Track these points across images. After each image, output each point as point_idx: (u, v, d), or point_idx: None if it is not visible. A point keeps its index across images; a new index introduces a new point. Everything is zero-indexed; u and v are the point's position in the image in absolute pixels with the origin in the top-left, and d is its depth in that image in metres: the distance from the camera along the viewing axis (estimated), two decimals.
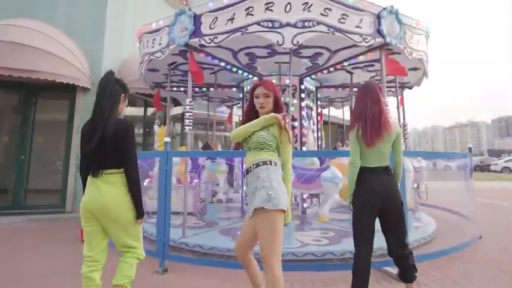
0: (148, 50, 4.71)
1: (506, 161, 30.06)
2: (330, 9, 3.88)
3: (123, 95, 2.25)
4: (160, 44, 4.49)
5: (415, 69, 5.46)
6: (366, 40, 3.98)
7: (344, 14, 3.92)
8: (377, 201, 2.33)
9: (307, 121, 6.27)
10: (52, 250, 4.05)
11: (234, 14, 3.95)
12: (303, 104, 6.17)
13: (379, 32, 4.05)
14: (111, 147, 2.05)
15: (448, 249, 3.74)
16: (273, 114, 2.08)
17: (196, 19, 4.10)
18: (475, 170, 31.50)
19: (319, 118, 7.32)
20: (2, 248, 4.09)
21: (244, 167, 2.26)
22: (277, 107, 2.18)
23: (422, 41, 4.80)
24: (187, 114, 4.30)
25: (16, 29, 6.35)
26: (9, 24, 6.43)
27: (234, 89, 6.98)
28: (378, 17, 4.05)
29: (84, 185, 2.17)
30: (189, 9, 4.16)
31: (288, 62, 4.55)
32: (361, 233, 2.35)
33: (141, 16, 8.79)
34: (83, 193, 2.14)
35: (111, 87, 2.17)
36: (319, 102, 7.46)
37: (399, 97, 6.13)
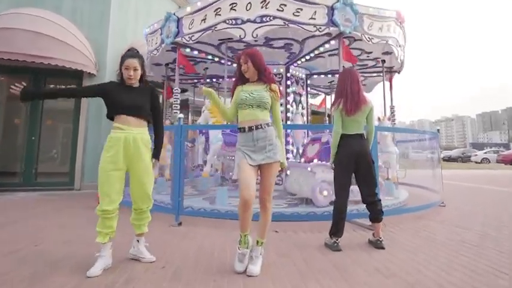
0: (149, 48, 5.61)
1: (485, 153, 31.70)
2: (285, 5, 4.61)
3: None
4: (156, 43, 5.36)
5: (387, 53, 6.04)
6: (320, 30, 4.67)
7: (299, 8, 4.61)
8: (353, 158, 3.03)
9: (294, 106, 6.98)
10: (78, 212, 4.63)
11: (206, 15, 4.91)
12: (288, 90, 6.95)
13: (333, 22, 4.65)
14: None
15: (413, 208, 4.53)
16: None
17: (179, 21, 5.12)
18: (457, 161, 33.16)
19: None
20: (32, 212, 4.65)
21: (246, 122, 2.47)
22: (259, 71, 2.55)
23: (389, 27, 5.31)
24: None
25: (28, 17, 6.78)
26: (21, 13, 6.85)
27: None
28: (332, 8, 4.68)
29: None
30: (174, 14, 5.17)
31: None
32: (341, 182, 3.06)
33: (144, 7, 9.30)
34: None
35: None
36: (309, 89, 8.20)
37: (385, 81, 6.98)
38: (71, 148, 7.54)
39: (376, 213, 3.08)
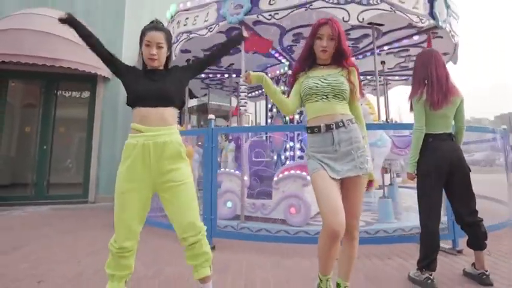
0: (186, 28, 4.62)
1: None
2: None
3: None
4: (206, 21, 4.39)
5: (444, 54, 5.41)
6: (422, 21, 4.06)
7: None
8: (444, 166, 2.31)
9: None
10: (92, 233, 4.01)
11: None
12: None
13: (432, 15, 4.13)
14: None
15: (494, 226, 3.71)
16: None
17: None
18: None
19: None
20: (41, 233, 4.03)
21: (321, 119, 1.77)
22: (340, 54, 1.85)
23: (456, 26, 4.79)
24: (242, 94, 4.36)
25: (39, 17, 6.33)
26: (32, 13, 6.41)
27: None
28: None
29: None
30: None
31: None
32: (429, 199, 2.33)
33: (159, 8, 8.78)
34: None
35: None
36: None
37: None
38: (85, 158, 6.99)
39: (479, 237, 2.32)
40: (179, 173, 1.76)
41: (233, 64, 6.29)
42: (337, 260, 1.80)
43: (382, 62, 5.99)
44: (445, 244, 3.08)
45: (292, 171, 3.94)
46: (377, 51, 5.32)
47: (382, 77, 7.22)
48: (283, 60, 5.84)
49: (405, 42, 5.11)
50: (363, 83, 8.05)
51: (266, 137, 5.75)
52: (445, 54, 5.48)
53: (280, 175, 4.00)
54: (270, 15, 3.94)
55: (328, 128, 1.74)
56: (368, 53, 5.57)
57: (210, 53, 2.13)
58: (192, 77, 2.07)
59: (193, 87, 8.01)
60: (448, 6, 4.35)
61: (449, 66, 5.87)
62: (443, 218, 3.10)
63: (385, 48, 5.36)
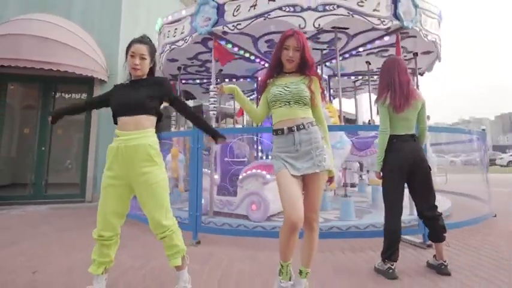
0: (169, 39, 4.96)
1: (511, 155, 30.40)
2: None
3: None
4: (182, 33, 4.77)
5: (428, 52, 5.56)
6: (384, 23, 4.15)
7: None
8: (406, 165, 2.50)
9: None
10: (87, 231, 4.14)
11: (256, 0, 4.14)
12: None
13: (396, 16, 4.20)
14: None
15: (465, 221, 3.91)
16: None
17: (220, 8, 4.33)
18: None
19: None
20: (38, 231, 4.21)
21: (284, 122, 1.98)
22: (304, 63, 2.04)
23: (435, 24, 4.93)
24: (211, 100, 4.50)
25: (38, 23, 6.53)
26: (31, 19, 6.62)
27: (248, 80, 7.15)
28: (395, 0, 4.22)
29: None
30: (212, 0, 4.39)
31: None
32: (393, 196, 2.52)
33: (155, 9, 9.01)
34: None
35: None
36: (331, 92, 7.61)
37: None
38: (82, 158, 7.20)
39: (438, 230, 2.51)
40: (152, 175, 1.94)
41: (221, 70, 6.59)
42: (300, 250, 2.01)
43: (367, 62, 6.20)
44: (415, 238, 3.29)
45: (254, 170, 4.19)
46: (354, 52, 5.53)
47: (375, 77, 7.46)
48: (266, 65, 6.08)
49: (378, 43, 5.26)
50: (358, 82, 8.26)
51: (257, 138, 5.97)
52: (428, 52, 5.61)
53: (244, 174, 4.26)
54: (233, 25, 4.28)
55: (290, 130, 1.95)
56: (347, 55, 5.78)
57: (187, 110, 2.23)
58: (161, 102, 2.17)
59: (194, 90, 8.27)
60: (416, 6, 4.42)
61: (440, 64, 6.05)
62: (414, 216, 3.32)
63: (360, 49, 5.55)
